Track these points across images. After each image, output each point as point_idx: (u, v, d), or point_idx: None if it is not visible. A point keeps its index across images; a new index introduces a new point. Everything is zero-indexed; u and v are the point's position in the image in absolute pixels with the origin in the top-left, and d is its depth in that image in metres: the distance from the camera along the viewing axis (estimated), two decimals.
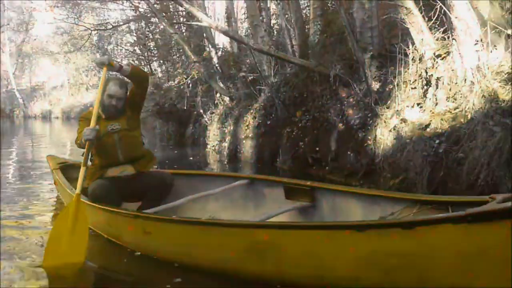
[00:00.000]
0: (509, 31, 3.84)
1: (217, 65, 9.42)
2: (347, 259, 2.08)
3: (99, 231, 3.42)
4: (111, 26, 12.96)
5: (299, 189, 3.12)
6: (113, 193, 3.30)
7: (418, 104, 4.21)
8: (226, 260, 2.52)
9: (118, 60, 15.79)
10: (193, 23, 7.13)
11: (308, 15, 8.00)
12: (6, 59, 31.16)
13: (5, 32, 29.88)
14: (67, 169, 4.62)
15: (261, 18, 8.68)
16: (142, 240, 2.99)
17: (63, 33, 17.02)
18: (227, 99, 9.34)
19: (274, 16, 10.03)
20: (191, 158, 8.49)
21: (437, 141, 3.77)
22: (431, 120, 3.96)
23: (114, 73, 3.83)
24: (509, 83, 3.41)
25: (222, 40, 10.48)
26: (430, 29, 4.48)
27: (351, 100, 5.68)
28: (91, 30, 13.03)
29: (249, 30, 9.18)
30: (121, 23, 12.67)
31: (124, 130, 3.42)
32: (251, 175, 3.66)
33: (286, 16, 7.72)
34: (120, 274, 2.79)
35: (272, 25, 9.50)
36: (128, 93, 3.48)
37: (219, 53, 9.66)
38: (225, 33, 6.71)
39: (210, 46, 9.42)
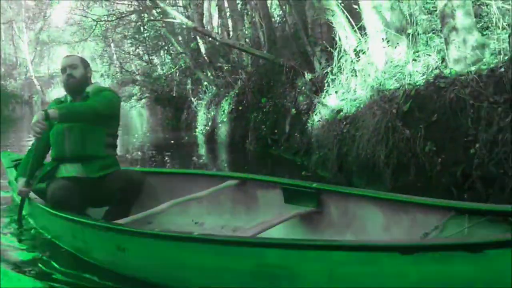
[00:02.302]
0: (409, 31, 4.62)
1: (204, 55, 10.27)
2: None
3: (63, 244, 2.91)
4: (115, 18, 13.89)
5: (302, 192, 2.69)
6: (75, 196, 2.83)
7: (337, 92, 4.99)
8: (225, 286, 2.07)
9: (130, 50, 16.77)
10: (166, 19, 7.94)
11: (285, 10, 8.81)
12: (25, 47, 32.50)
13: (23, 22, 31.16)
14: None
15: (245, 11, 9.49)
16: (116, 258, 2.45)
17: (73, 24, 18.06)
18: (214, 87, 10.20)
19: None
20: (172, 142, 9.32)
21: (344, 123, 4.56)
22: (343, 106, 4.75)
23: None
24: (393, 76, 4.19)
25: None
26: (359, 29, 5.24)
27: (303, 88, 6.47)
28: (97, 22, 14.00)
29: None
30: (123, 15, 13.58)
31: None
32: (242, 175, 3.15)
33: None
34: None
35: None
36: (82, 60, 3.18)
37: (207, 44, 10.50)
38: (194, 29, 7.52)
39: (198, 38, 10.25)
